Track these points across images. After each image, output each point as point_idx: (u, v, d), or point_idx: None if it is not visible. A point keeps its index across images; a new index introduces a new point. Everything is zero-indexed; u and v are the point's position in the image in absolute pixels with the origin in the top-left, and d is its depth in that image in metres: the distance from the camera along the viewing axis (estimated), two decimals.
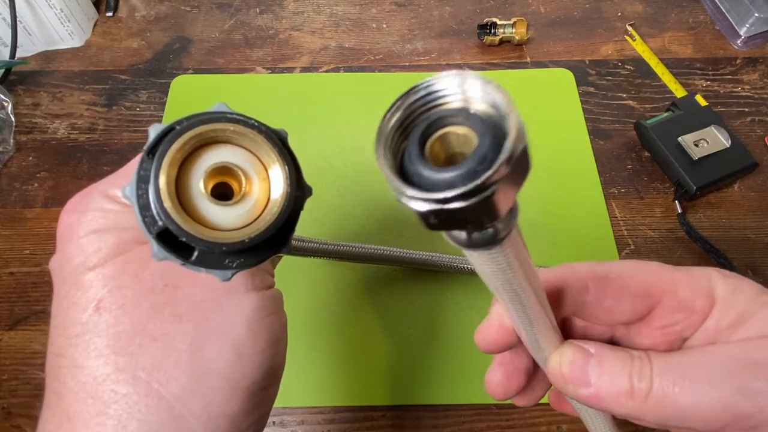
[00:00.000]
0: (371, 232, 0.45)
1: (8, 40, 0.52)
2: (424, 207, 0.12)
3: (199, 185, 0.16)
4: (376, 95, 0.52)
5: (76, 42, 0.56)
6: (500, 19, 0.55)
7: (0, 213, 0.47)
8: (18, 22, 0.52)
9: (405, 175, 0.13)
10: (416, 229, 0.45)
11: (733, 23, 0.55)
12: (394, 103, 0.14)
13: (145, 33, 0.58)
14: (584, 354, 0.20)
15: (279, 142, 0.17)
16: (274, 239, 0.17)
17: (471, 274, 0.40)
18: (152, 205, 0.16)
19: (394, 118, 0.13)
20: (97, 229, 0.21)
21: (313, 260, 0.44)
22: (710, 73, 0.54)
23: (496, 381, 0.24)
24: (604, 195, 0.47)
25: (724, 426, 0.18)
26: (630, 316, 0.22)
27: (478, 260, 0.15)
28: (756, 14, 0.53)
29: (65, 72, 0.55)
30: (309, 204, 0.23)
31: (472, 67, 0.54)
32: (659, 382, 0.18)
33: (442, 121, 0.13)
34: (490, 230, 0.14)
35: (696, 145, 0.46)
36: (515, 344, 0.22)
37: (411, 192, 0.12)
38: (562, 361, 0.20)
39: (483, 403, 0.39)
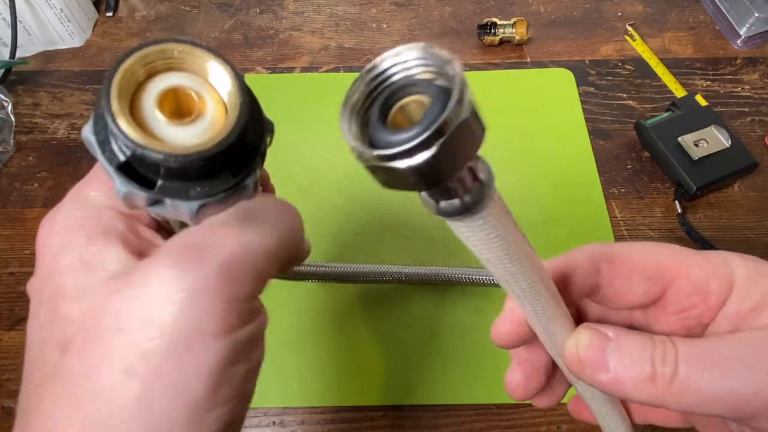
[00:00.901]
0: (371, 231, 0.45)
1: (8, 40, 0.52)
2: (368, 164, 0.13)
3: (153, 111, 0.16)
4: None
5: (76, 42, 0.56)
6: (500, 19, 0.55)
7: (0, 213, 0.47)
8: (18, 22, 0.52)
9: (372, 144, 0.14)
10: (416, 229, 0.45)
11: (733, 23, 0.55)
12: (354, 81, 0.14)
13: (145, 33, 0.58)
14: (602, 337, 0.19)
15: (229, 62, 0.17)
16: (236, 164, 0.17)
17: (472, 284, 0.39)
18: (109, 133, 0.16)
19: (357, 94, 0.14)
20: (65, 243, 0.19)
21: (313, 259, 0.44)
22: (710, 73, 0.54)
23: (516, 381, 0.24)
24: (604, 195, 0.47)
25: (755, 413, 0.18)
26: (642, 298, 0.21)
27: (457, 230, 0.16)
28: (756, 14, 0.53)
29: (65, 72, 0.55)
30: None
31: (473, 67, 0.54)
32: (686, 367, 0.18)
33: (402, 92, 0.14)
34: (456, 200, 0.14)
35: (696, 145, 0.46)
36: (530, 338, 0.22)
37: (358, 146, 0.13)
38: (579, 345, 0.20)
39: (483, 403, 0.39)
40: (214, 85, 0.17)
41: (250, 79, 0.54)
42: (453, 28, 0.58)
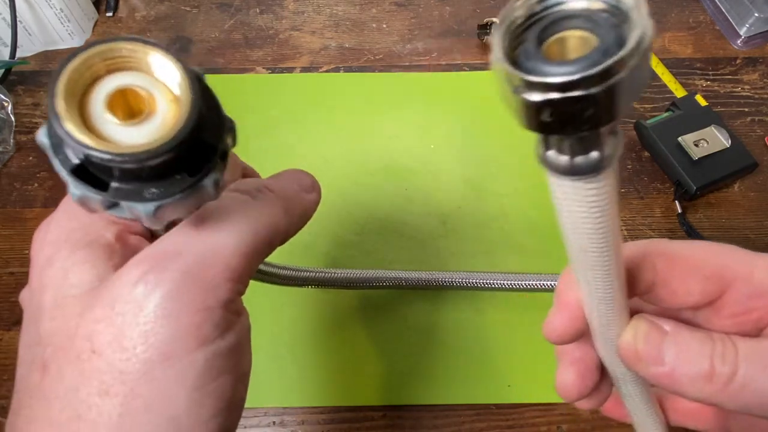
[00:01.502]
0: (371, 232, 0.45)
1: (8, 40, 0.52)
2: (541, 96, 0.11)
3: (103, 112, 0.16)
4: (376, 95, 0.52)
5: (76, 42, 0.56)
6: None
7: (0, 213, 0.47)
8: (18, 22, 0.52)
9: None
10: (416, 229, 0.45)
11: (733, 23, 0.55)
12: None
13: (145, 33, 0.58)
14: (658, 330, 0.19)
15: (181, 59, 0.17)
16: (193, 163, 0.17)
17: (460, 288, 0.39)
18: (61, 137, 0.16)
19: (521, 10, 0.13)
20: (51, 256, 0.19)
21: (314, 259, 0.44)
22: (710, 73, 0.54)
23: (571, 381, 0.23)
24: None
25: None
26: (698, 299, 0.20)
27: (572, 197, 0.15)
28: (756, 14, 0.53)
29: None
30: None
31: (473, 67, 0.54)
32: (746, 367, 0.17)
33: (562, 24, 0.13)
34: (595, 154, 0.13)
35: (696, 145, 0.46)
36: (583, 333, 0.21)
37: (529, 77, 0.11)
38: (638, 336, 0.19)
39: (483, 403, 0.39)
40: (166, 83, 0.17)
41: (249, 79, 0.54)
42: (453, 28, 0.58)
